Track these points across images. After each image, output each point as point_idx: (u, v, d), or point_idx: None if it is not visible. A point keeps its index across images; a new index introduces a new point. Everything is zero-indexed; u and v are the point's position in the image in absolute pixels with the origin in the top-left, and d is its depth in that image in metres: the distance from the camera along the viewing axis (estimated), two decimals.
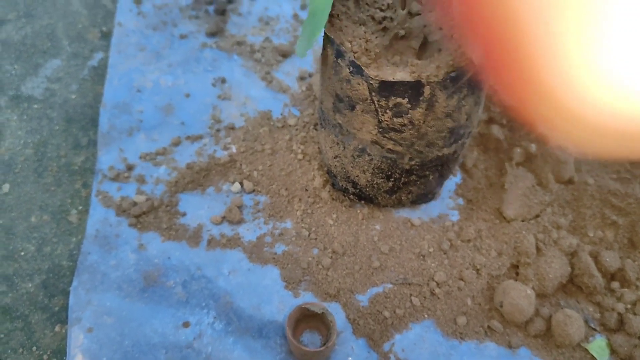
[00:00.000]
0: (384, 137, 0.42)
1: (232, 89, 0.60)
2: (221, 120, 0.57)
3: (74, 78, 0.60)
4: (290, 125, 0.57)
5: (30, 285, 0.48)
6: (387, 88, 0.38)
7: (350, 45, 0.40)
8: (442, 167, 0.49)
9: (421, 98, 0.38)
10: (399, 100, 0.38)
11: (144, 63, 0.61)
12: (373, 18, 0.42)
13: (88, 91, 0.60)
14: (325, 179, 0.53)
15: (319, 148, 0.53)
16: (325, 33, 0.41)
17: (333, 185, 0.52)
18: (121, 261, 0.49)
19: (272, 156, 0.55)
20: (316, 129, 0.56)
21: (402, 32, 0.41)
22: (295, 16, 0.66)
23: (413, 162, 0.44)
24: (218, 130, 0.57)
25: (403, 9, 0.41)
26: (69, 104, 0.59)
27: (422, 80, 0.38)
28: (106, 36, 0.64)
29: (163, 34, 0.63)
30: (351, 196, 0.51)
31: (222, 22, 0.64)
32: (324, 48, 0.42)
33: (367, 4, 0.44)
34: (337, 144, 0.46)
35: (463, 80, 0.39)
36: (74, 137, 0.57)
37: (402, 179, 0.47)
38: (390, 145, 0.42)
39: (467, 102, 0.41)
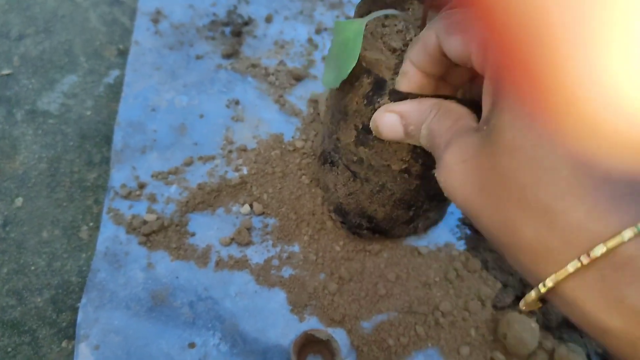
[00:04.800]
0: (417, 162, 0.41)
1: (245, 111, 0.60)
2: (234, 141, 0.58)
3: (89, 94, 0.61)
4: (300, 149, 0.57)
5: (39, 300, 0.49)
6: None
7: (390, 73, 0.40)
8: None
9: None
10: None
11: (159, 82, 0.61)
12: (389, 48, 0.43)
13: (103, 108, 0.61)
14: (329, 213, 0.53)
15: (321, 187, 0.53)
16: (359, 63, 0.39)
17: (343, 223, 0.52)
18: (130, 279, 0.49)
19: (282, 179, 0.56)
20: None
21: None
22: (310, 40, 0.67)
23: (438, 187, 0.45)
24: (230, 152, 0.57)
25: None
26: (84, 120, 0.60)
27: (465, 95, 0.37)
28: (123, 54, 0.65)
29: (179, 53, 0.64)
30: (364, 232, 0.50)
31: (237, 44, 0.65)
32: (355, 79, 0.40)
33: (386, 29, 0.44)
34: (354, 180, 0.46)
35: None
36: (87, 153, 0.58)
37: (424, 206, 0.47)
38: (420, 172, 0.42)
39: None
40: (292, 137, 0.59)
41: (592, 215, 0.23)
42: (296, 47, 0.66)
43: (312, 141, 0.58)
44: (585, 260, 0.23)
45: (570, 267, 0.24)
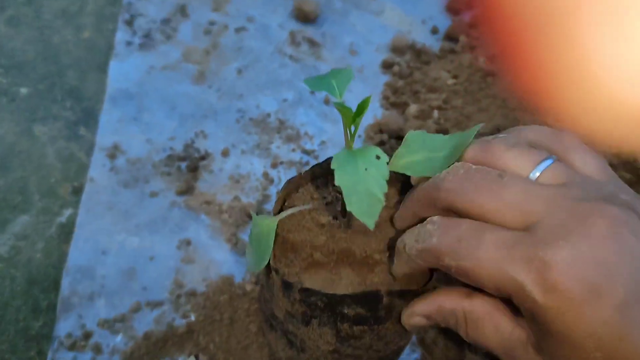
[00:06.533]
0: (343, 345, 0.41)
1: (196, 251, 0.60)
2: (183, 285, 0.58)
3: (40, 236, 0.61)
4: (249, 293, 0.57)
5: None
6: (342, 301, 0.38)
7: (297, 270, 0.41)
8: (398, 354, 0.49)
9: (379, 306, 0.38)
10: (358, 310, 0.38)
11: (111, 223, 0.61)
12: (317, 224, 0.43)
13: (53, 250, 0.60)
14: None
15: (268, 343, 0.52)
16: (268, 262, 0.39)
17: None
18: None
19: (230, 327, 0.55)
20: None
21: (344, 244, 0.42)
22: (265, 175, 0.67)
23: None
24: (179, 296, 0.57)
25: (344, 216, 0.42)
26: (33, 264, 0.59)
27: (380, 290, 0.38)
28: (77, 191, 0.65)
29: (133, 191, 0.64)
30: None
31: (193, 180, 0.66)
32: (267, 272, 0.41)
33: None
34: (291, 348, 0.45)
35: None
36: (34, 299, 0.57)
37: None
38: (349, 351, 0.42)
39: None
40: (242, 279, 0.58)
41: None
42: (252, 181, 0.67)
43: (262, 285, 0.57)
44: None
45: None
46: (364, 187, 0.32)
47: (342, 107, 0.34)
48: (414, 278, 0.40)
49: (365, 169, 0.33)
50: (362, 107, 0.34)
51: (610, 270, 0.28)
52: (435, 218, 0.34)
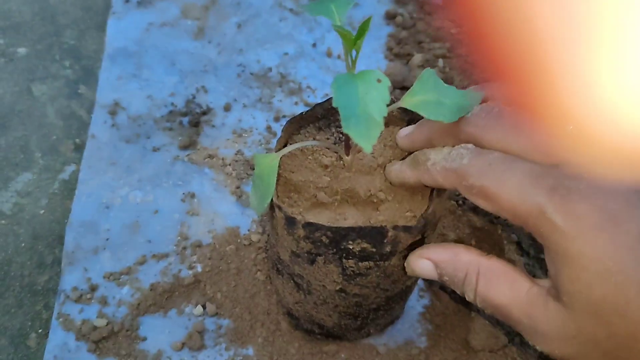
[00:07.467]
0: (350, 283, 0.41)
1: (201, 204, 0.59)
2: (188, 237, 0.57)
3: (43, 192, 0.61)
4: (255, 243, 0.56)
5: None
6: (347, 235, 0.37)
7: (301, 208, 0.40)
8: (406, 295, 0.48)
9: (385, 240, 0.37)
10: (363, 245, 0.37)
11: (114, 178, 0.61)
12: (320, 165, 0.42)
13: (57, 206, 0.60)
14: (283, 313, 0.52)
15: (276, 289, 0.52)
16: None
17: (296, 327, 0.50)
18: None
19: (237, 276, 0.54)
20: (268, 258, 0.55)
21: (348, 184, 0.41)
22: (269, 128, 0.66)
23: (379, 300, 0.43)
24: (184, 248, 0.56)
25: (347, 155, 0.41)
26: (37, 220, 0.59)
27: (386, 225, 0.37)
28: (79, 148, 0.64)
29: (136, 146, 0.63)
30: (318, 336, 0.49)
31: (195, 135, 0.65)
32: (271, 212, 0.40)
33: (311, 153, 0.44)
34: (298, 291, 0.45)
35: (423, 225, 0.38)
36: (39, 255, 0.56)
37: (370, 316, 0.46)
38: (356, 290, 0.41)
39: (430, 235, 0.40)
40: (249, 230, 0.58)
41: None
42: (254, 135, 0.66)
43: (268, 234, 0.57)
44: None
45: None
46: (363, 109, 0.31)
47: (341, 30, 0.32)
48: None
49: (366, 92, 0.32)
50: (363, 29, 0.33)
51: (631, 204, 0.29)
52: (470, 145, 0.35)
